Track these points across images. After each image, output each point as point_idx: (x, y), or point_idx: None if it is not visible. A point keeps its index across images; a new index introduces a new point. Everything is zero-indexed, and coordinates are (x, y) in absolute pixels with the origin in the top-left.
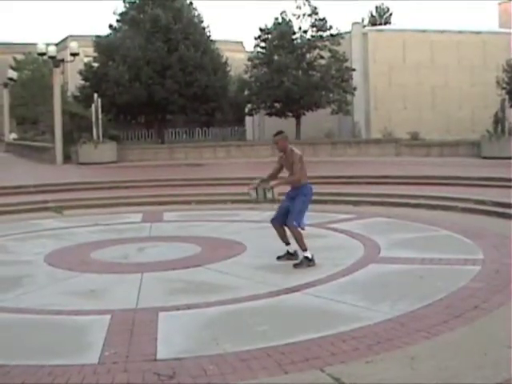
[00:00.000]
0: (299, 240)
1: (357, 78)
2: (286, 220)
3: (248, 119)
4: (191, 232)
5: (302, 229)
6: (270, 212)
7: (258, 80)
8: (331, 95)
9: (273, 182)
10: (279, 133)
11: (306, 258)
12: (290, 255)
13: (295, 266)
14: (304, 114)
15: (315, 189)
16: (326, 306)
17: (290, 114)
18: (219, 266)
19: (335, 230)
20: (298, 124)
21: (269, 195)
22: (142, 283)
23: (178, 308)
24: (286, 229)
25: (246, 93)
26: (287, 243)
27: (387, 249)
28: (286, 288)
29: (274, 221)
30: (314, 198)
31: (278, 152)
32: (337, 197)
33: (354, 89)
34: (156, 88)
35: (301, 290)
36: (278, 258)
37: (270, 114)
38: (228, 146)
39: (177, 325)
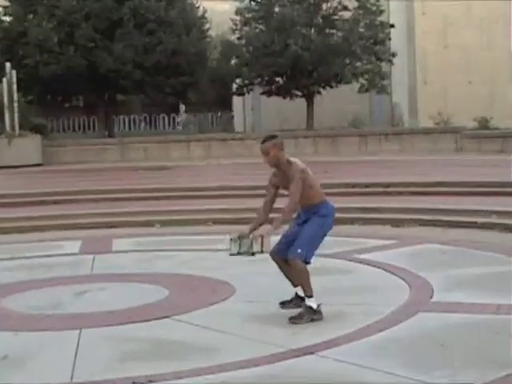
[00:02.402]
0: (304, 280)
1: (397, 39)
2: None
3: (237, 101)
4: (154, 267)
5: (307, 262)
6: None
7: (252, 43)
8: (359, 64)
9: (263, 230)
10: (270, 138)
11: (310, 308)
12: (299, 300)
13: (292, 320)
14: (319, 93)
15: (336, 203)
16: (353, 375)
17: (299, 93)
18: (195, 318)
19: (366, 262)
20: (311, 107)
21: (256, 248)
22: (79, 345)
23: (133, 382)
24: None
25: (234, 62)
26: (296, 284)
27: (443, 290)
28: (293, 349)
29: (275, 253)
30: (337, 216)
31: (270, 167)
32: (368, 214)
33: (393, 55)
34: (100, 55)
35: (316, 352)
36: (283, 304)
37: (268, 93)
38: (207, 141)
39: None
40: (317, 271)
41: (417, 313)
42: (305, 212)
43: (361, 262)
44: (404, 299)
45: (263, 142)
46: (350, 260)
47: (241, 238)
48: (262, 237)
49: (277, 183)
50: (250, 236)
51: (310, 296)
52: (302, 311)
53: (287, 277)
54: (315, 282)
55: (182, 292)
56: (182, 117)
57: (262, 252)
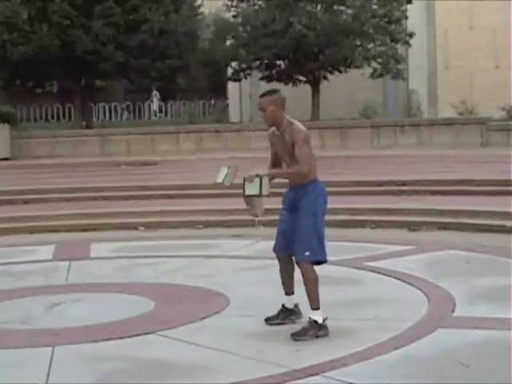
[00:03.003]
0: (311, 289)
1: (415, 18)
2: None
3: (232, 87)
4: (138, 276)
5: (323, 262)
6: (267, 241)
7: (249, 21)
8: (371, 46)
9: (269, 171)
10: (269, 92)
11: (315, 322)
12: (287, 313)
13: (294, 336)
14: (326, 79)
15: (345, 203)
16: None
17: (303, 79)
18: (184, 333)
19: (378, 271)
20: (316, 95)
21: (252, 189)
22: (52, 365)
23: None
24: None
25: (230, 43)
26: (289, 292)
27: (466, 303)
28: (296, 369)
29: (278, 250)
30: (345, 219)
31: (268, 127)
32: (382, 216)
33: (410, 35)
34: (76, 34)
35: (321, 373)
36: (269, 320)
37: (268, 79)
38: (199, 133)
39: None
40: (322, 281)
41: (436, 329)
42: (293, 191)
43: (373, 270)
44: (422, 313)
45: (261, 96)
46: (361, 268)
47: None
48: (261, 177)
49: (275, 142)
50: (245, 176)
51: (317, 308)
52: (305, 326)
53: (283, 281)
54: (321, 293)
55: (168, 304)
56: (155, 103)
57: (260, 195)
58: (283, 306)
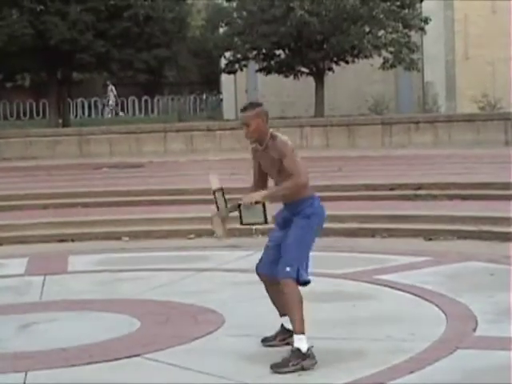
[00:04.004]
0: (293, 311)
1: (431, 1)
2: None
3: (226, 80)
4: (121, 292)
5: (302, 283)
6: None
7: (245, 6)
8: (381, 33)
9: (257, 193)
10: (252, 105)
11: (298, 351)
12: (286, 334)
13: (274, 368)
14: (331, 70)
15: (354, 210)
16: None
17: (305, 71)
18: (173, 356)
19: (391, 285)
20: (320, 88)
21: (255, 217)
22: None
23: None
24: None
25: (223, 31)
26: (284, 313)
27: (490, 321)
28: None
29: (260, 268)
30: (353, 227)
31: (251, 143)
32: (395, 223)
33: (426, 21)
34: (51, 21)
35: None
36: (265, 340)
37: (267, 71)
38: (189, 131)
39: None
40: (329, 296)
41: (456, 350)
42: (287, 209)
43: (385, 284)
44: (440, 332)
45: (243, 110)
46: (371, 282)
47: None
48: (263, 204)
49: (259, 159)
50: (243, 202)
51: (300, 333)
52: (286, 356)
53: (273, 302)
54: (326, 309)
55: (155, 324)
56: (111, 98)
57: (265, 223)
58: (282, 326)
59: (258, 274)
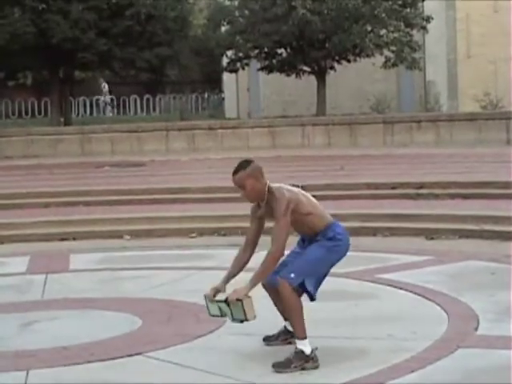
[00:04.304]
0: (294, 318)
1: (433, 0)
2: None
3: (228, 79)
4: (122, 290)
5: (308, 294)
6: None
7: (247, 5)
8: (383, 32)
9: (239, 289)
10: (243, 165)
11: (301, 352)
12: (288, 335)
13: (276, 367)
14: (333, 69)
15: (355, 208)
16: None
17: (307, 69)
18: (175, 355)
19: (393, 284)
20: (322, 87)
21: (237, 314)
22: None
23: None
24: None
25: (225, 29)
26: (286, 317)
27: (492, 320)
28: None
29: (266, 282)
30: (355, 226)
31: (251, 202)
32: (396, 222)
33: (428, 20)
34: (53, 19)
35: None
36: (267, 339)
37: (268, 69)
38: (191, 130)
39: None
40: (330, 296)
41: (457, 349)
42: (308, 237)
43: (386, 283)
44: (441, 331)
45: (235, 173)
46: (373, 281)
47: (215, 300)
48: (241, 301)
49: (262, 215)
50: (229, 299)
51: (304, 337)
52: (289, 356)
53: (278, 308)
54: (328, 309)
55: (157, 322)
56: (106, 97)
57: (246, 320)
58: (285, 327)
59: (264, 287)
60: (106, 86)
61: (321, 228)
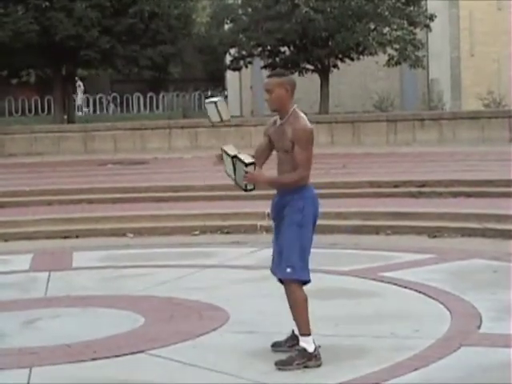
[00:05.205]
0: (298, 313)
1: None
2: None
3: (231, 77)
4: (125, 288)
5: (305, 282)
6: (270, 249)
7: (250, 3)
8: (387, 30)
9: (262, 175)
10: (278, 74)
11: (304, 350)
12: (295, 340)
13: (278, 365)
14: (336, 67)
15: (358, 207)
16: None
17: (310, 67)
18: (177, 353)
19: (395, 282)
20: (325, 85)
21: (248, 185)
22: None
23: None
24: None
25: (228, 27)
26: None
27: (494, 319)
28: None
29: (273, 268)
30: (357, 224)
31: (271, 111)
32: (398, 221)
33: (431, 18)
34: (56, 17)
35: None
36: (275, 345)
37: (272, 67)
38: (194, 128)
39: None
40: (333, 293)
41: (460, 347)
42: (279, 196)
43: (389, 281)
44: (444, 330)
45: (270, 76)
46: (375, 279)
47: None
48: (254, 179)
49: (271, 134)
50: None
51: (306, 335)
52: (291, 354)
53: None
54: (330, 307)
55: (160, 320)
56: (79, 96)
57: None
58: (293, 331)
59: (273, 273)
60: (82, 85)
61: (300, 185)
